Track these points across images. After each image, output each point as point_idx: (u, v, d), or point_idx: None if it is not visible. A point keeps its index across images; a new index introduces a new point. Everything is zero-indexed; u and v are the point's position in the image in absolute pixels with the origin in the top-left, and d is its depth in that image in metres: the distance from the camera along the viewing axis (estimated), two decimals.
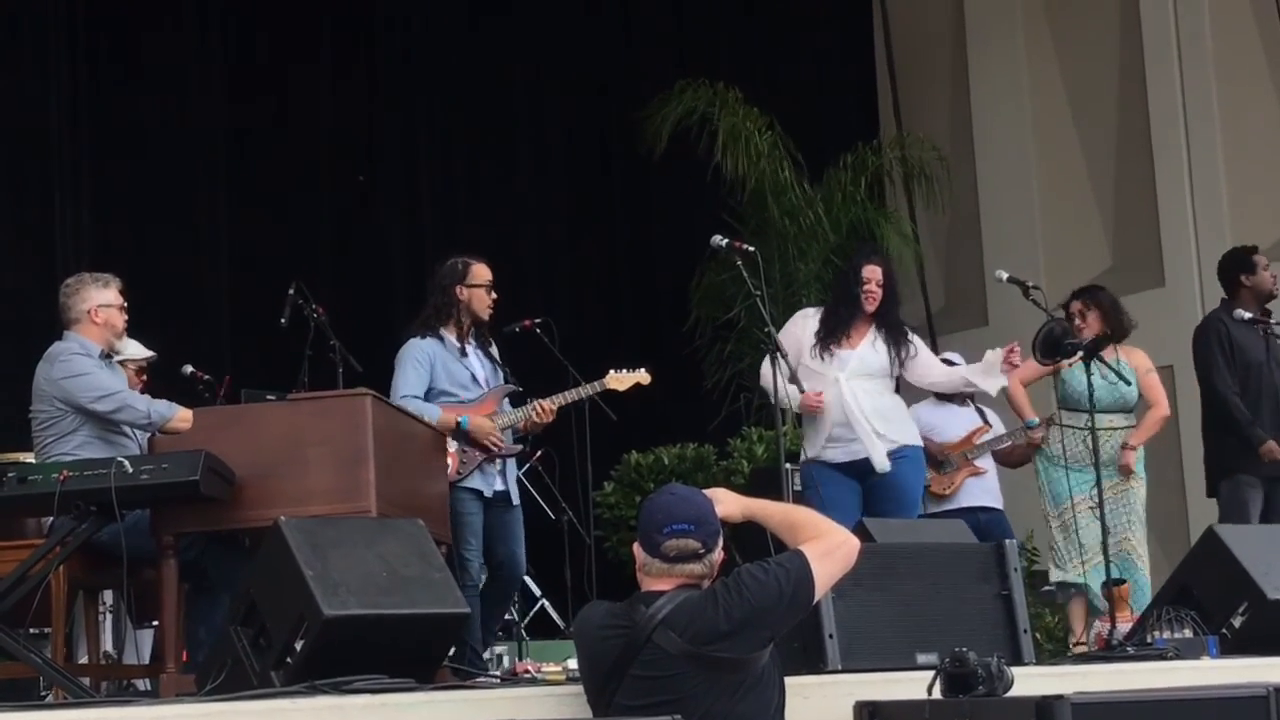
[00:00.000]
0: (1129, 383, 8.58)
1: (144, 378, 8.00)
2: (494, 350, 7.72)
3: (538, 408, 7.55)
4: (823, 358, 7.66)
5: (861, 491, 7.63)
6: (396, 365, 7.43)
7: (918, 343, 7.99)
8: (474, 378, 7.51)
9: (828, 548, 4.46)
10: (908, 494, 7.75)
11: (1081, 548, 8.49)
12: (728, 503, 4.58)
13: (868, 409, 7.64)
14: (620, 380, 7.88)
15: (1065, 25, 13.59)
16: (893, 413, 7.81)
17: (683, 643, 4.23)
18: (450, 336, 7.51)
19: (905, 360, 7.86)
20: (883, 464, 7.58)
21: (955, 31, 14.33)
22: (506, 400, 7.61)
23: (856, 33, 14.97)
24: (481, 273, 7.62)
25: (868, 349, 7.75)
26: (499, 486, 7.47)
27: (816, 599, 4.47)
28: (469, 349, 7.56)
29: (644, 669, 4.26)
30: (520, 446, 7.80)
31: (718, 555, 4.40)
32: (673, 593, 4.32)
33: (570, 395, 7.73)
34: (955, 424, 9.59)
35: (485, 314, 7.60)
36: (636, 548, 4.43)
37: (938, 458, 9.61)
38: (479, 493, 7.34)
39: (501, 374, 7.66)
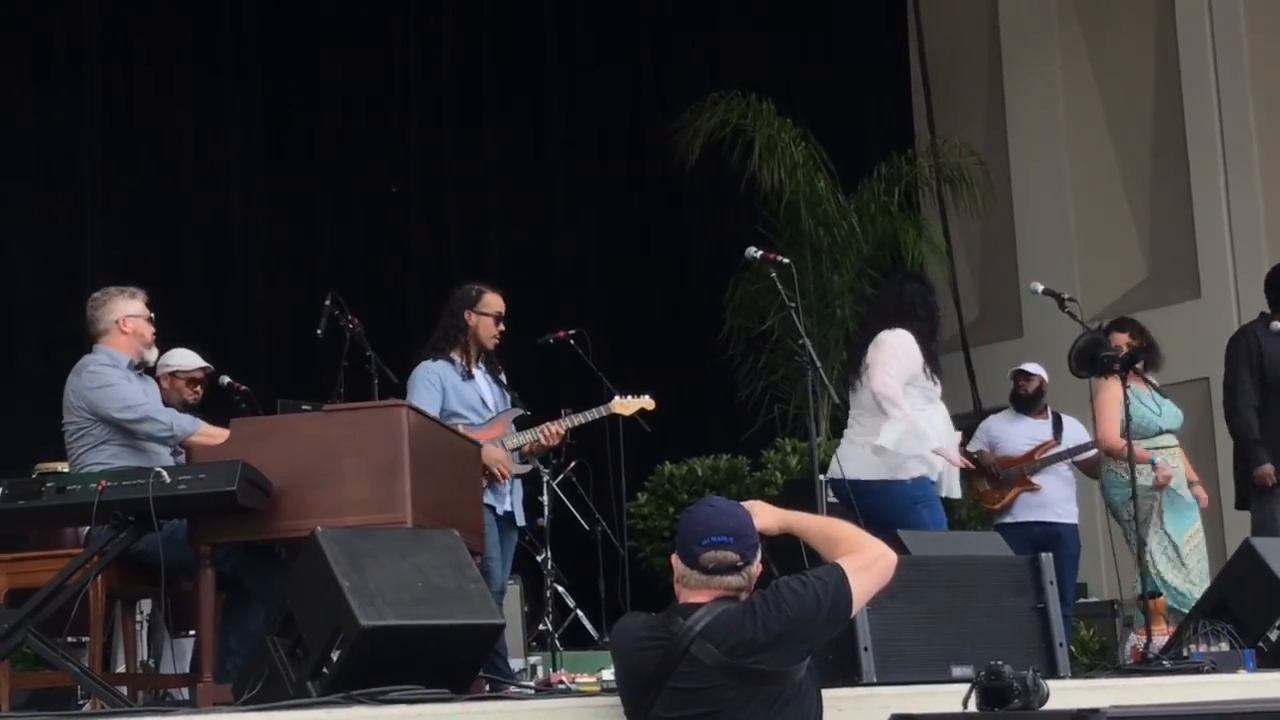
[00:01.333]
0: (1157, 410, 8.56)
1: (197, 389, 8.03)
2: (502, 376, 7.75)
3: (545, 431, 7.62)
4: (934, 382, 7.62)
5: None
6: (409, 388, 7.48)
7: None
8: (483, 401, 7.56)
9: (865, 561, 4.47)
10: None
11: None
12: (765, 515, 4.59)
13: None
14: (625, 405, 8.04)
15: (1100, 36, 13.57)
16: None
17: (720, 654, 4.23)
18: (459, 360, 7.55)
19: None
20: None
21: (990, 42, 14.32)
22: (512, 424, 7.65)
23: (890, 44, 14.97)
24: (493, 302, 7.63)
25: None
26: (507, 507, 7.53)
27: (854, 613, 4.47)
28: (477, 373, 7.60)
29: (681, 681, 4.26)
30: (528, 467, 7.86)
31: (756, 568, 4.40)
32: (710, 605, 4.32)
33: (576, 419, 7.82)
34: (1021, 437, 9.52)
35: (490, 343, 7.61)
36: (674, 559, 4.44)
37: (991, 471, 9.55)
38: (491, 508, 7.38)
39: (509, 398, 7.71)
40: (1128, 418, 7.98)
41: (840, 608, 4.37)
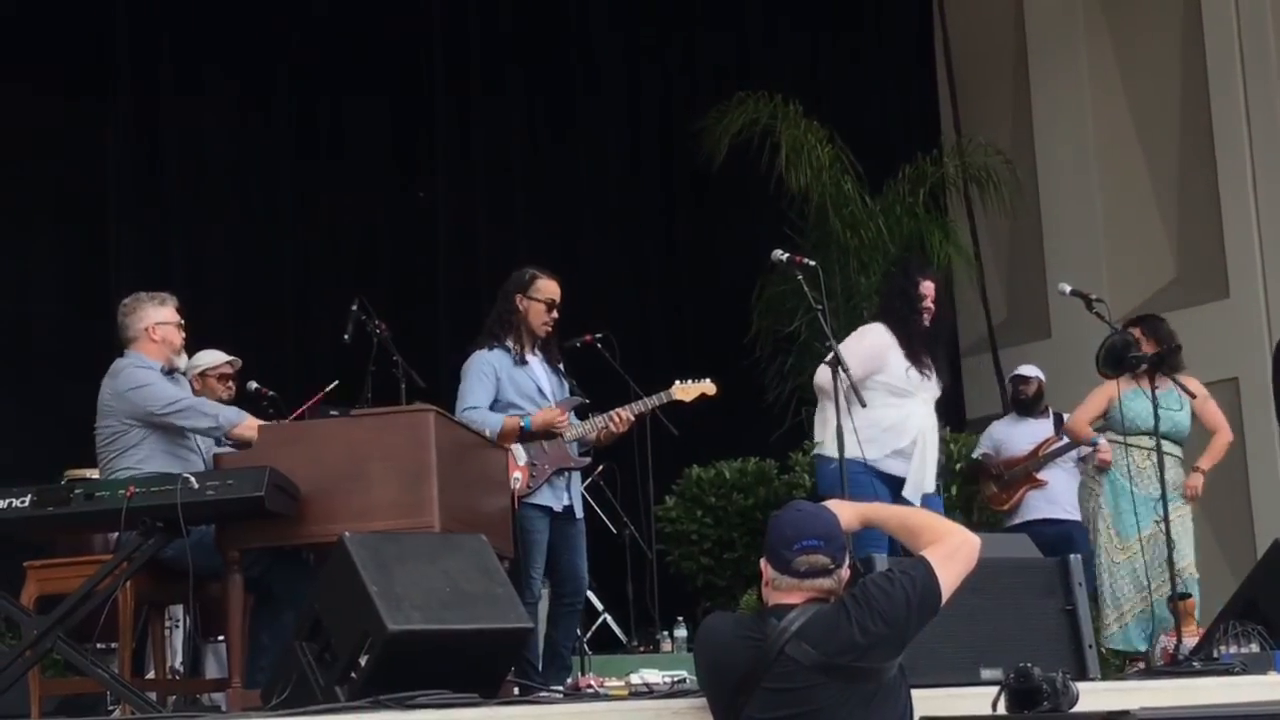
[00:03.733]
0: (1179, 409, 8.56)
1: (229, 384, 8.06)
2: (561, 364, 7.68)
3: (615, 417, 7.47)
4: (922, 375, 7.60)
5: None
6: (462, 377, 7.39)
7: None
8: (540, 390, 7.44)
9: (949, 550, 4.52)
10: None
11: (1118, 600, 8.47)
12: (844, 513, 4.63)
13: (934, 437, 7.64)
14: (686, 391, 7.78)
15: (1127, 36, 13.53)
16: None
17: (816, 654, 4.26)
18: (515, 348, 7.46)
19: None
20: (916, 493, 7.49)
21: (1016, 43, 14.28)
22: (573, 413, 7.58)
23: (917, 45, 14.94)
24: (545, 288, 7.53)
25: (933, 374, 7.72)
26: (566, 502, 7.42)
27: (944, 602, 4.50)
28: (533, 360, 7.49)
29: (776, 681, 4.29)
30: (588, 459, 7.76)
31: (845, 570, 4.43)
32: (803, 606, 4.35)
33: (639, 406, 7.64)
34: (1023, 438, 9.60)
35: (541, 330, 7.49)
36: (764, 563, 4.46)
37: (994, 472, 9.64)
38: (548, 509, 7.31)
39: (567, 386, 7.63)
40: (1156, 416, 7.99)
41: (930, 601, 4.42)
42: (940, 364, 7.80)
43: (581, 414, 7.62)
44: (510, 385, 7.36)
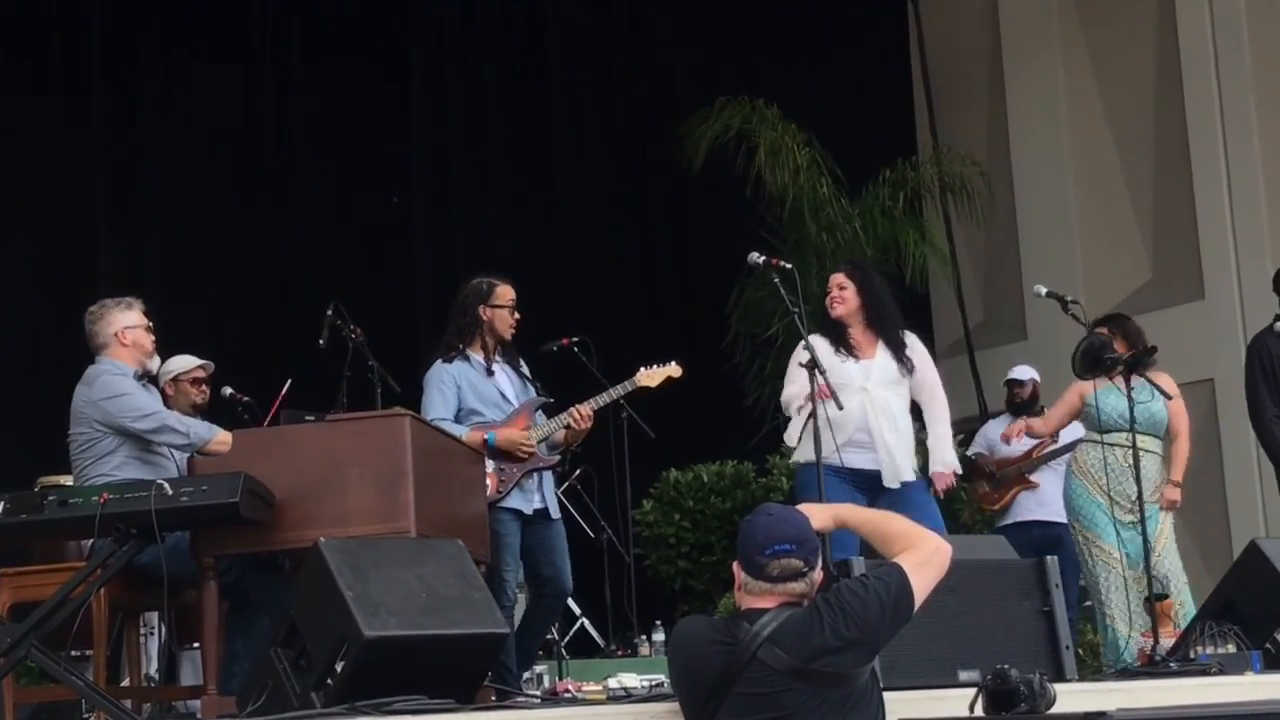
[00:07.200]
0: (1161, 398, 8.43)
1: (202, 388, 8.03)
2: (523, 367, 7.68)
3: (575, 414, 7.45)
4: (857, 361, 7.51)
5: (870, 505, 7.48)
6: (424, 390, 7.43)
7: (918, 362, 7.69)
8: (503, 395, 7.45)
9: (923, 557, 4.52)
10: (927, 512, 7.32)
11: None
12: (818, 515, 4.62)
13: (893, 420, 7.53)
14: (651, 376, 7.74)
15: (1102, 40, 13.56)
16: (907, 430, 7.60)
17: (789, 659, 4.25)
18: (476, 356, 7.48)
19: (909, 374, 7.63)
20: (894, 479, 7.40)
21: (991, 48, 14.31)
22: (540, 413, 7.57)
23: (893, 49, 14.96)
24: (505, 293, 7.58)
25: (884, 358, 7.58)
26: (538, 504, 7.39)
27: (916, 608, 4.49)
28: (496, 367, 7.51)
29: (749, 686, 4.28)
30: (557, 458, 7.72)
31: (818, 574, 4.42)
32: (776, 610, 4.34)
33: (604, 398, 7.62)
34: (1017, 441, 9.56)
35: (508, 334, 7.55)
36: (736, 567, 4.45)
37: (987, 471, 9.63)
38: (518, 512, 7.28)
39: (531, 388, 7.62)
40: (1133, 415, 7.92)
41: (903, 608, 4.41)
42: (894, 343, 7.61)
43: (549, 412, 7.60)
44: (472, 393, 7.38)
